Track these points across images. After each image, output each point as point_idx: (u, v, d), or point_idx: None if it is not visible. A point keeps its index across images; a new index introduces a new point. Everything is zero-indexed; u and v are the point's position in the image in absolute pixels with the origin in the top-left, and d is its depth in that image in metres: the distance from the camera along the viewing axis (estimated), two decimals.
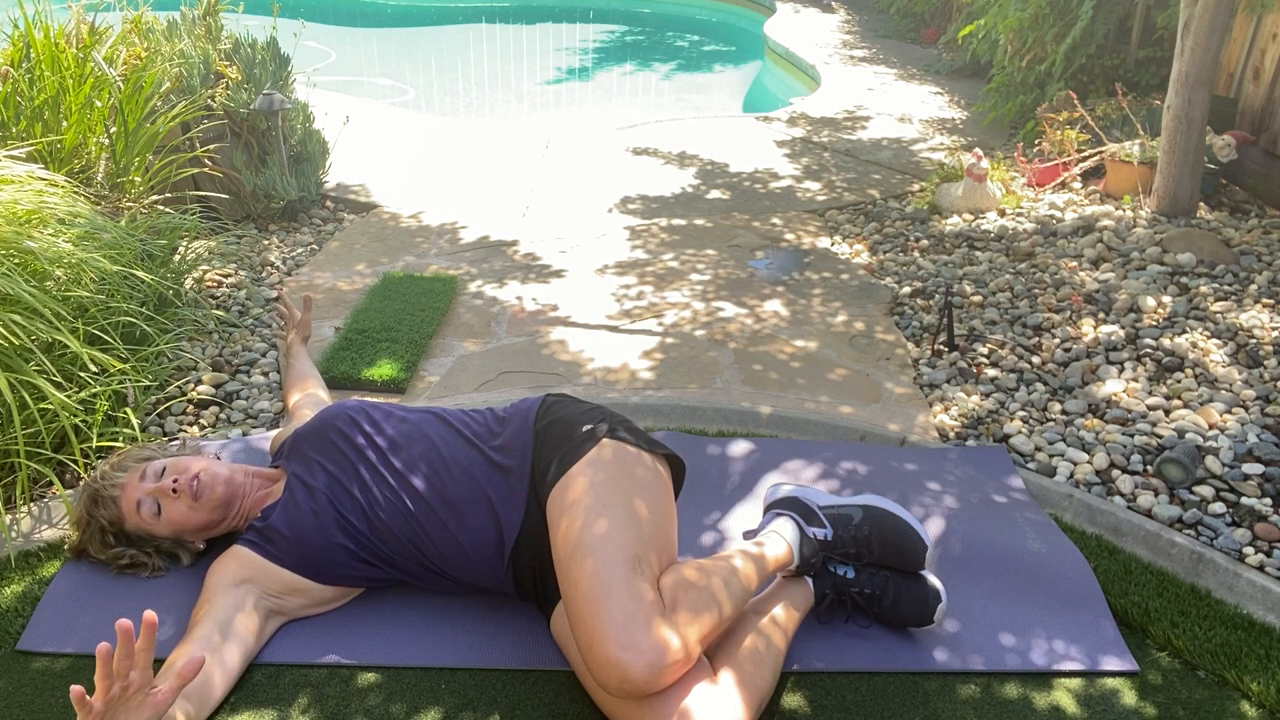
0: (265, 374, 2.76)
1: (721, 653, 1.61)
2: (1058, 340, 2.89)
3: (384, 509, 1.78)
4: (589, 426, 1.78)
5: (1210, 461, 2.26)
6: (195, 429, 2.49)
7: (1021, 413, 2.55)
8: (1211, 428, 2.42)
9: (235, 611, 1.70)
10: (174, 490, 1.84)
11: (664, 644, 1.44)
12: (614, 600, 1.47)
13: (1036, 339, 2.92)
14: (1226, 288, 3.13)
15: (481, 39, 9.66)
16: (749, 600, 1.66)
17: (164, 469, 1.89)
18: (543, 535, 1.73)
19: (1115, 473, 2.28)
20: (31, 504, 2.14)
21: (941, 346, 2.93)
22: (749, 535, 1.89)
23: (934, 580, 1.80)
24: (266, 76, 3.87)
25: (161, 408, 2.55)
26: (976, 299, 3.20)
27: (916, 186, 4.45)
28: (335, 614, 1.83)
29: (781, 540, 1.77)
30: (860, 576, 1.80)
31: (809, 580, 1.81)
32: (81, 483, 2.13)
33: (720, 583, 1.59)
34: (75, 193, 2.79)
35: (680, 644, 1.46)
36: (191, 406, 2.58)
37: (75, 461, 2.20)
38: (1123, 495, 2.20)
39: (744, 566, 1.66)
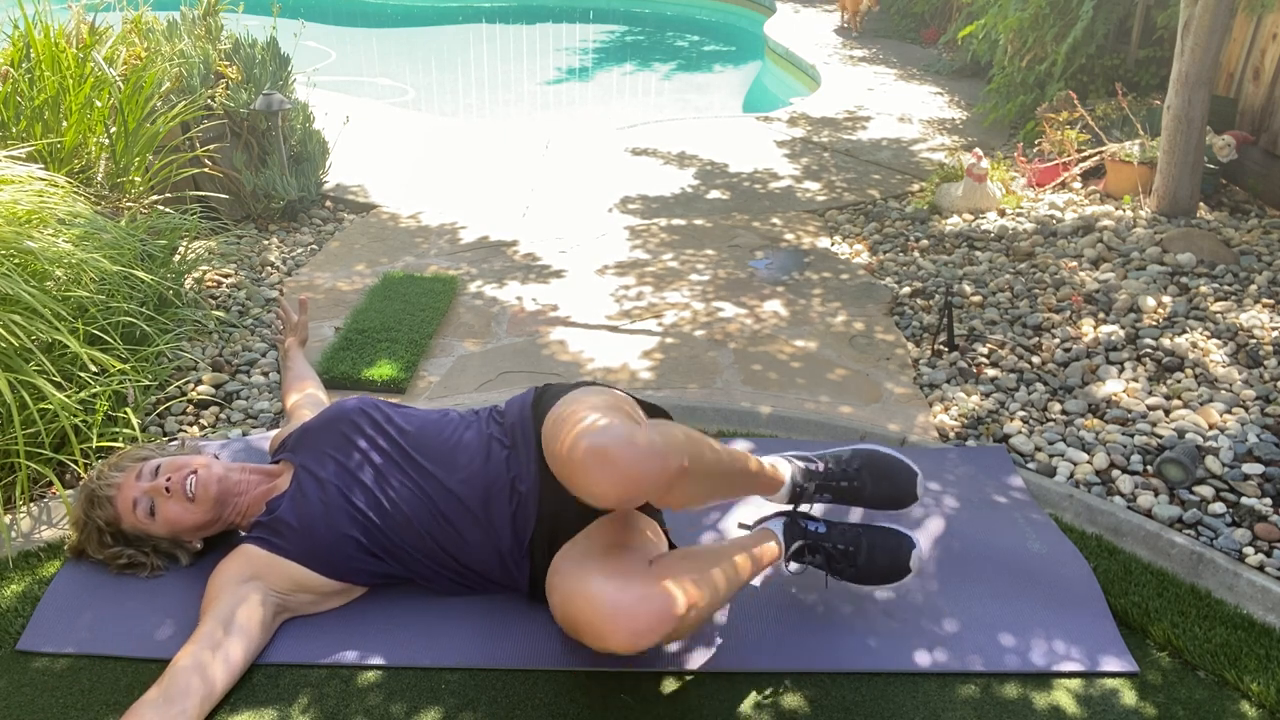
0: (265, 374, 2.76)
1: (678, 566, 1.59)
2: (1058, 340, 2.89)
3: (396, 491, 1.81)
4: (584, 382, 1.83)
5: (1210, 461, 2.26)
6: (195, 429, 2.49)
7: (1021, 413, 2.55)
8: (1211, 428, 2.42)
9: (239, 607, 1.70)
10: (167, 489, 1.84)
11: (649, 442, 1.42)
12: (606, 419, 1.49)
13: (1036, 339, 2.92)
14: (1226, 288, 3.13)
15: (481, 39, 9.66)
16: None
17: (158, 468, 1.89)
18: (555, 499, 1.75)
19: (1115, 473, 2.28)
20: (31, 504, 2.14)
21: (941, 346, 2.93)
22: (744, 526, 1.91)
23: (905, 530, 1.83)
24: (266, 76, 3.87)
25: (161, 408, 2.55)
26: (976, 299, 3.20)
27: (916, 186, 4.44)
28: (335, 614, 1.83)
29: (772, 535, 1.79)
30: (833, 532, 1.82)
31: (779, 534, 1.81)
32: (80, 483, 2.14)
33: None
34: (75, 193, 2.79)
35: (663, 444, 1.43)
36: (191, 406, 2.58)
37: (75, 461, 2.20)
38: (1123, 495, 2.20)
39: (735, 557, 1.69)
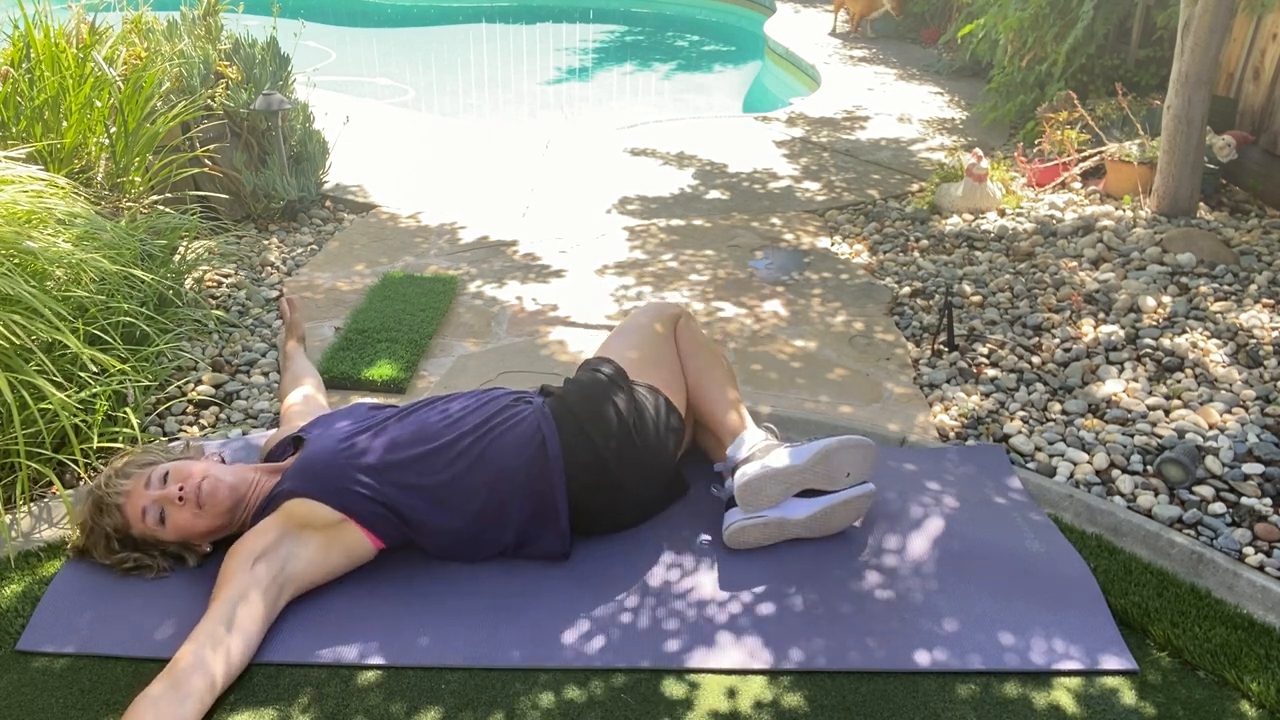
0: (265, 374, 2.76)
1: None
2: (1058, 340, 2.89)
3: (414, 418, 1.98)
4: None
5: (1210, 461, 2.26)
6: (195, 429, 2.49)
7: (1021, 413, 2.55)
8: (1211, 428, 2.42)
9: (248, 592, 1.71)
10: (179, 498, 1.84)
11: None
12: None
13: (1036, 339, 2.92)
14: (1226, 288, 3.13)
15: (481, 39, 9.66)
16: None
17: (167, 474, 1.88)
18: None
19: (1115, 473, 2.28)
20: (31, 504, 2.14)
21: (941, 346, 2.93)
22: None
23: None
24: (266, 76, 3.87)
25: (161, 408, 2.55)
26: (976, 299, 3.20)
27: (916, 186, 4.44)
28: (334, 613, 1.83)
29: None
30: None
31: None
32: (85, 488, 2.13)
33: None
34: (75, 193, 2.79)
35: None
36: (191, 407, 2.58)
37: (75, 461, 2.20)
38: (1123, 495, 2.20)
39: None
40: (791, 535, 2.00)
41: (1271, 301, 3.01)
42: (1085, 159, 4.22)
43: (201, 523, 1.87)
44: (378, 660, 1.73)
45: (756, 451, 1.99)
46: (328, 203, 4.17)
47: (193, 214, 3.27)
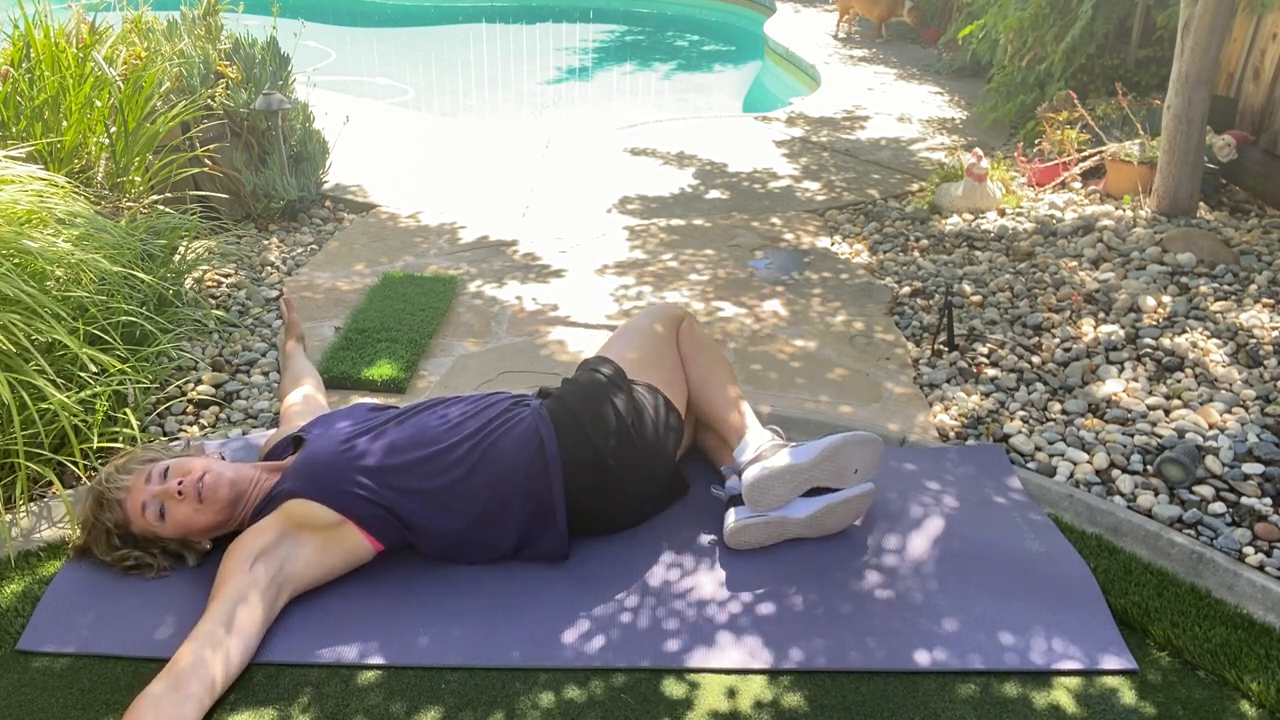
0: (265, 374, 2.76)
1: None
2: (1058, 340, 2.89)
3: (413, 422, 1.98)
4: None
5: (1210, 461, 2.26)
6: (195, 429, 2.49)
7: (1021, 412, 2.55)
8: (1211, 428, 2.42)
9: (246, 593, 1.71)
10: (179, 493, 1.84)
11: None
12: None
13: (1036, 339, 2.92)
14: (1226, 287, 3.13)
15: (481, 39, 9.66)
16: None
17: (167, 470, 1.89)
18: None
19: (1115, 472, 2.28)
20: (31, 504, 2.14)
21: (941, 346, 2.92)
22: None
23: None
24: (266, 76, 3.87)
25: (161, 408, 2.55)
26: (976, 299, 3.20)
27: (916, 186, 4.44)
28: (334, 613, 1.83)
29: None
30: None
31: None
32: (86, 485, 2.13)
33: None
34: (75, 193, 2.79)
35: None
36: (191, 406, 2.58)
37: (75, 462, 2.20)
38: (1123, 495, 2.20)
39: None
40: (792, 535, 2.00)
41: (1271, 301, 3.01)
42: (1085, 159, 4.21)
43: (201, 518, 1.87)
44: (378, 660, 1.73)
45: (764, 452, 2.00)
46: (328, 203, 4.17)
47: (193, 214, 3.26)
